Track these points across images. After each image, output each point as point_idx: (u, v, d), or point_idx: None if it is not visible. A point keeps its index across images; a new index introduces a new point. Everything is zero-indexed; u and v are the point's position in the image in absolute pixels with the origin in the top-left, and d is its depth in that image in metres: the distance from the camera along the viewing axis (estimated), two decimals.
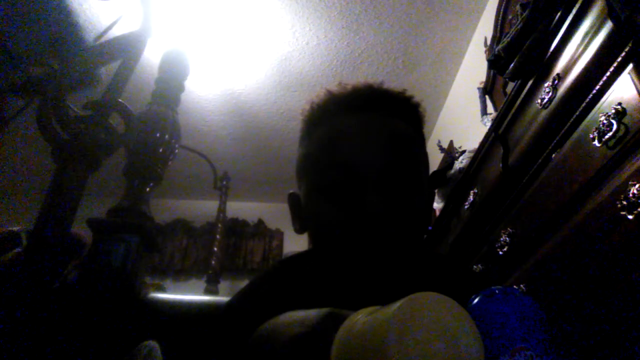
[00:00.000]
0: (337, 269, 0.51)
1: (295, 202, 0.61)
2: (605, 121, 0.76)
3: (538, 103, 1.01)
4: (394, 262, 0.49)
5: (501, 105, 1.29)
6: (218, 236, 3.14)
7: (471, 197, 1.38)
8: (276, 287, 0.57)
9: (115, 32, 1.25)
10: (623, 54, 0.75)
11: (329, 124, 0.54)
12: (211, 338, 0.56)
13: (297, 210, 0.60)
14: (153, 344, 0.76)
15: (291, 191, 0.62)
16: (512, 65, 1.12)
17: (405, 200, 0.50)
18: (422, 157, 0.57)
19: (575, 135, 0.87)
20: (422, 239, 0.56)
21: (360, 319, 0.31)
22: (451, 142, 2.50)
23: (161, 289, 1.06)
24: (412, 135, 0.55)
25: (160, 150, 1.10)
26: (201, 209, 4.01)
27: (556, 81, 0.95)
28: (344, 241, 0.49)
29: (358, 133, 0.52)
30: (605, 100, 0.78)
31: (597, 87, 0.81)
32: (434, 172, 1.83)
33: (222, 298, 1.02)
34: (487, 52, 1.92)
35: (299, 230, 0.60)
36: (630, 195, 0.68)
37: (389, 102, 0.55)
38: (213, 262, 3.04)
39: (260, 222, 4.14)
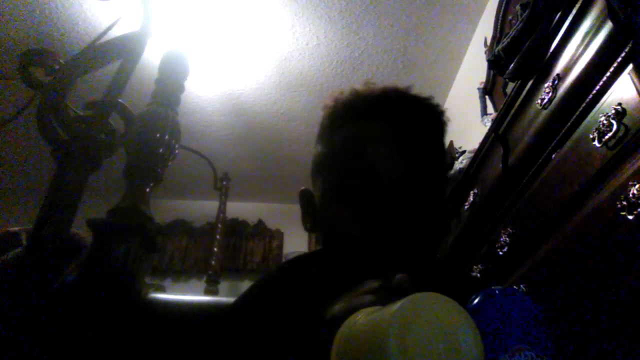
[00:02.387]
0: (347, 273, 0.51)
1: (307, 199, 0.60)
2: (605, 121, 0.76)
3: (538, 103, 1.01)
4: (403, 270, 0.50)
5: (501, 106, 1.29)
6: (218, 236, 3.14)
7: (471, 198, 1.38)
8: (283, 288, 0.57)
9: (115, 32, 1.25)
10: (623, 54, 0.75)
11: (353, 126, 0.54)
12: (216, 338, 0.56)
13: (309, 207, 0.59)
14: None
15: (303, 187, 0.61)
16: (512, 65, 1.12)
17: (422, 213, 0.50)
18: (443, 169, 0.57)
19: (575, 135, 0.87)
20: (435, 251, 0.56)
21: (360, 319, 0.31)
22: (451, 142, 2.50)
23: (161, 289, 1.06)
24: (435, 147, 0.55)
25: (160, 150, 1.09)
26: (201, 209, 4.01)
27: (556, 81, 0.95)
28: (357, 248, 0.49)
29: (383, 141, 0.52)
30: (605, 101, 0.78)
31: (597, 87, 0.81)
32: None
33: (223, 298, 1.02)
34: (487, 53, 1.92)
35: (310, 229, 0.59)
36: (630, 195, 0.68)
37: (416, 111, 0.54)
38: (213, 263, 3.03)
39: (260, 222, 4.14)
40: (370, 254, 0.48)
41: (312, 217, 0.58)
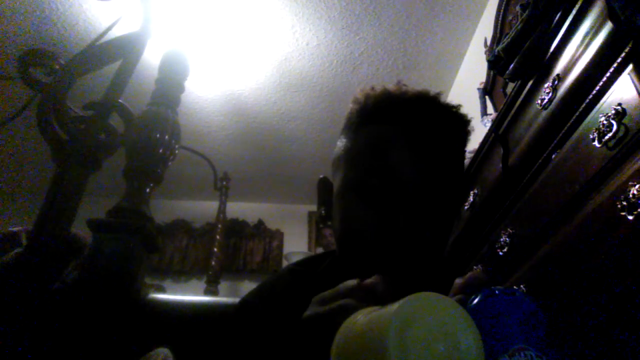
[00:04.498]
0: (357, 271, 0.52)
1: (325, 187, 0.62)
2: (605, 122, 0.76)
3: (538, 103, 1.01)
4: (412, 271, 0.51)
5: (501, 106, 1.29)
6: (218, 237, 3.14)
7: (471, 198, 1.38)
8: (293, 289, 0.58)
9: (115, 33, 1.25)
10: (623, 54, 0.75)
11: (381, 127, 0.56)
12: (223, 335, 0.57)
13: (326, 196, 0.62)
14: (166, 351, 0.76)
15: (322, 176, 0.64)
16: (512, 65, 1.12)
17: (434, 218, 0.52)
18: (459, 179, 0.59)
19: (575, 135, 0.87)
20: (440, 253, 0.58)
21: (360, 319, 0.31)
22: None
23: (161, 289, 1.06)
24: (455, 157, 0.58)
25: (160, 150, 1.10)
26: (201, 209, 4.01)
27: (556, 82, 0.95)
28: (370, 244, 0.51)
29: (408, 147, 0.53)
30: (605, 101, 0.78)
31: (597, 87, 0.81)
32: None
33: (223, 299, 1.02)
34: (487, 53, 1.92)
35: (325, 216, 0.62)
36: (630, 196, 0.67)
37: (444, 120, 0.56)
38: (213, 263, 3.03)
39: (260, 222, 4.14)
40: (381, 249, 0.50)
41: (328, 205, 0.61)
